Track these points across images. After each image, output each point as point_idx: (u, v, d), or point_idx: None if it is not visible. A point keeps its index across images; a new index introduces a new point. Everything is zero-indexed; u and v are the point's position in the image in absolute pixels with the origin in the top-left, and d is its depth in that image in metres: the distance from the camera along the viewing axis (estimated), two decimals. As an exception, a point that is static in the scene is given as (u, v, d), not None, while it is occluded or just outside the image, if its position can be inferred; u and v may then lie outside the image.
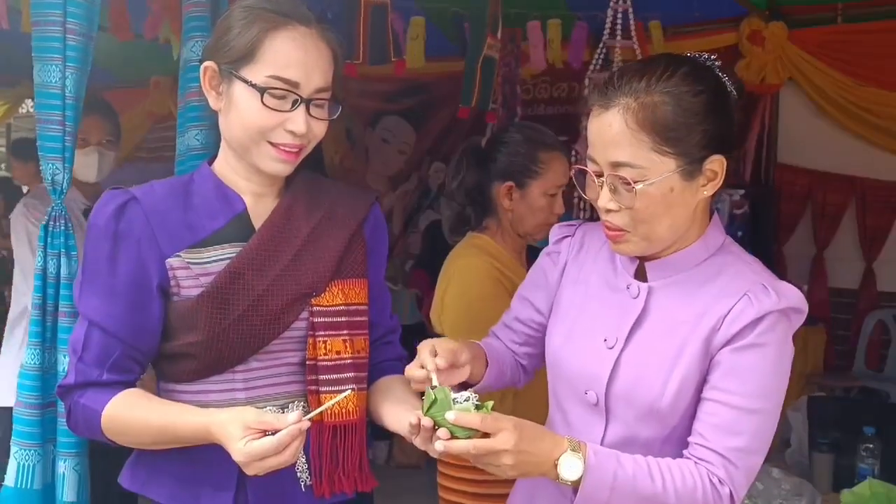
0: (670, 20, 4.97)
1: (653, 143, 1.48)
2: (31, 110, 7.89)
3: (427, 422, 1.42)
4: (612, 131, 1.50)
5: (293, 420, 1.41)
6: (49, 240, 2.03)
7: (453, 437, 1.39)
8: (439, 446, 1.39)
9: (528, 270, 1.91)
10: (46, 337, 2.07)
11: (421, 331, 4.77)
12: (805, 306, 1.56)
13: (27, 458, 2.06)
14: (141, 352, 1.60)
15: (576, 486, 1.44)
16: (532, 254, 2.51)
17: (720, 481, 1.49)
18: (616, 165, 1.50)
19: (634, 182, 1.49)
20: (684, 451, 1.54)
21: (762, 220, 5.17)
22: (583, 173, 1.62)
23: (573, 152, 3.62)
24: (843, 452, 3.02)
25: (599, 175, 1.55)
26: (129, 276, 1.57)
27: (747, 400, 1.50)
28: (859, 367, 5.24)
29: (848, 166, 5.23)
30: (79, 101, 1.99)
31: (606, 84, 1.54)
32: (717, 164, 1.52)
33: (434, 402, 1.42)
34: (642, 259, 1.63)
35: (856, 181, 5.26)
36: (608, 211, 1.55)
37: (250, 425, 1.41)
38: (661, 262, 1.61)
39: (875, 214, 5.24)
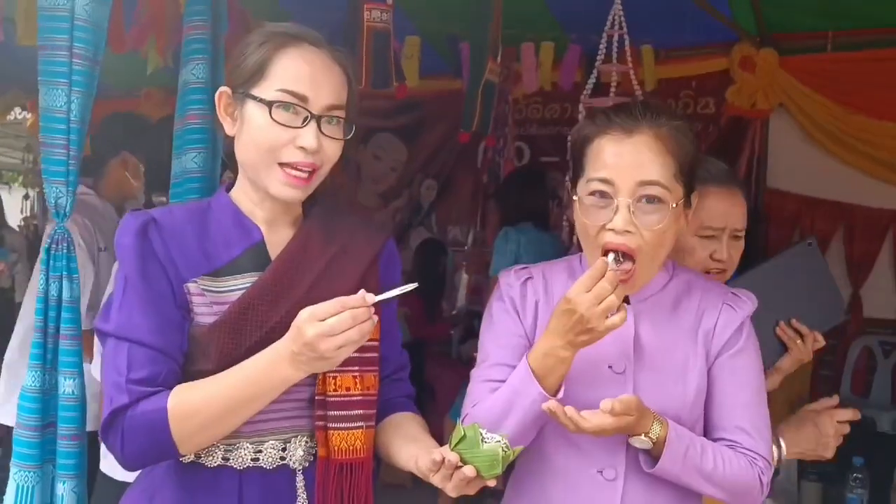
0: (662, 45, 5.02)
1: (675, 169, 1.60)
2: (19, 117, 7.87)
3: (453, 457, 1.42)
4: (642, 153, 1.58)
5: (359, 297, 1.43)
6: (51, 262, 2.02)
7: (479, 475, 1.41)
8: None
9: None
10: (47, 359, 2.05)
11: (411, 350, 4.75)
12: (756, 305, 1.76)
13: (26, 479, 2.05)
14: (180, 365, 1.54)
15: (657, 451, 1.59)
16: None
17: (754, 460, 1.65)
18: (645, 184, 1.58)
19: (660, 201, 1.58)
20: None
21: (750, 244, 5.18)
22: (600, 195, 1.63)
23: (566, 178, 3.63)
24: (831, 481, 3.04)
25: (615, 197, 1.59)
26: (162, 291, 1.53)
27: (752, 395, 1.68)
28: (845, 394, 5.25)
29: (836, 192, 5.25)
30: (83, 126, 1.99)
31: (630, 113, 1.62)
32: (695, 199, 1.69)
33: (463, 438, 1.43)
34: None
35: (844, 207, 5.28)
36: (625, 232, 1.58)
37: (315, 314, 1.42)
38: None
39: (862, 241, 5.26)
